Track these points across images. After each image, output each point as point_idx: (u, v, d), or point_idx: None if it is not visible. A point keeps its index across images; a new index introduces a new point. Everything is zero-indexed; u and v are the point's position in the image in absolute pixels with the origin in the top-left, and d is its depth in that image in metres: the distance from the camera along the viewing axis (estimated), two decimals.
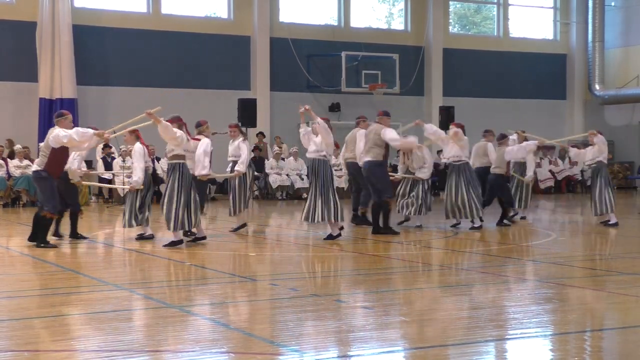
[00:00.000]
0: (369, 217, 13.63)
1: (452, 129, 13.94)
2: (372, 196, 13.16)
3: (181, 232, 11.43)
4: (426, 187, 14.32)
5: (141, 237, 12.13)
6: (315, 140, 12.09)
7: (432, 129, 14.08)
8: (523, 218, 15.96)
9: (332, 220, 11.98)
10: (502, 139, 15.30)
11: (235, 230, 13.39)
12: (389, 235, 12.74)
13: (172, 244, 11.19)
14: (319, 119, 12.04)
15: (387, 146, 13.04)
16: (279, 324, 6.57)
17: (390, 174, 14.00)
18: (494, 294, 7.99)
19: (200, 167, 12.08)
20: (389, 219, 13.05)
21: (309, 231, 13.63)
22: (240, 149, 13.38)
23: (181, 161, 11.20)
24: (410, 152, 14.23)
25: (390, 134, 12.94)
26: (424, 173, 14.28)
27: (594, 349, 5.86)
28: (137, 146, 11.86)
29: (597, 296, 7.96)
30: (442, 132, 14.39)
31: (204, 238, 11.76)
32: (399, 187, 14.50)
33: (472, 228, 13.72)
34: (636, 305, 7.35)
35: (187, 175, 11.23)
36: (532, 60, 29.33)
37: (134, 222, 11.97)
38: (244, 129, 23.19)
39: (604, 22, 29.29)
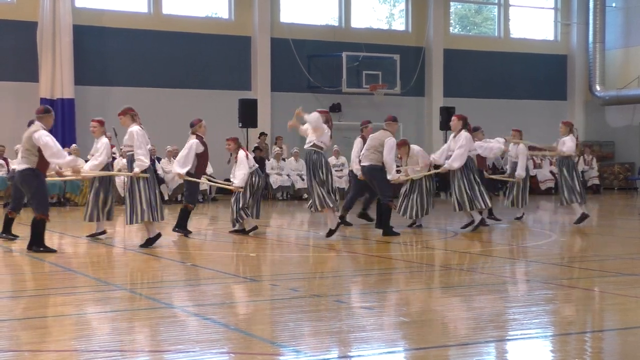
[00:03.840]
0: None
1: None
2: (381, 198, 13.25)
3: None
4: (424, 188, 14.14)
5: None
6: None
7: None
8: (518, 219, 15.80)
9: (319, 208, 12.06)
10: (475, 131, 14.95)
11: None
12: (392, 236, 12.74)
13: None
14: (309, 116, 12.06)
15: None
16: (279, 324, 6.57)
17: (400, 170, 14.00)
18: (495, 295, 7.98)
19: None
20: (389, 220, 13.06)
21: (309, 231, 13.62)
22: None
23: None
24: (406, 155, 14.20)
25: (390, 152, 12.94)
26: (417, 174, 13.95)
27: (595, 349, 5.85)
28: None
29: (597, 297, 7.97)
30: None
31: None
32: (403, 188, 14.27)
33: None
34: (636, 306, 7.35)
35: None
36: (533, 61, 29.31)
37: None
38: (244, 130, 23.22)
39: (604, 23, 29.26)
